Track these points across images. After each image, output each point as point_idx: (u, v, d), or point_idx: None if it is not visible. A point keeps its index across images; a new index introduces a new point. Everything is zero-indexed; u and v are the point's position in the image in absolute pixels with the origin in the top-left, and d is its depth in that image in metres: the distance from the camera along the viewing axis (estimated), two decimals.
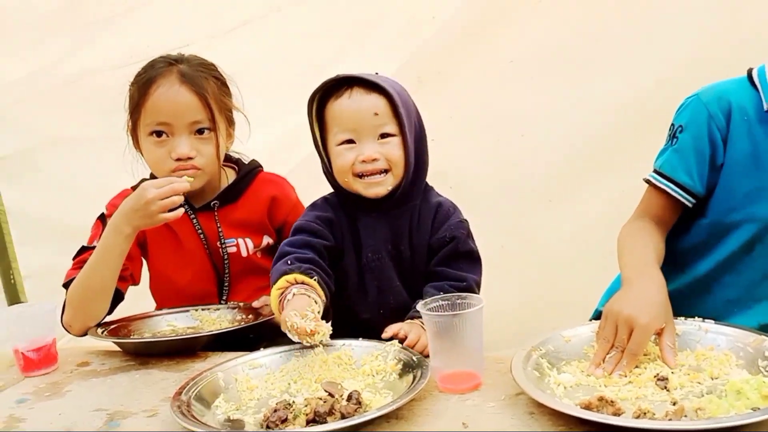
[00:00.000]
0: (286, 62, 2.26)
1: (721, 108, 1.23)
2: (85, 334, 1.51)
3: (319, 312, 1.21)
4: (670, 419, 0.85)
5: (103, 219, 1.61)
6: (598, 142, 2.08)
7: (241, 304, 1.62)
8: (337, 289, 1.38)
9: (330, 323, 1.22)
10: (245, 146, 2.11)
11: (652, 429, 0.83)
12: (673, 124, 1.29)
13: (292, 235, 1.41)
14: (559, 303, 2.16)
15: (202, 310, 1.61)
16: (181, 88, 1.53)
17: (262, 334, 1.47)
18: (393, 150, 1.35)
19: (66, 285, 1.52)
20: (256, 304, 1.60)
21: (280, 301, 1.25)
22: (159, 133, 1.54)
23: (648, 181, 1.31)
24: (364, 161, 1.34)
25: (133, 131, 1.60)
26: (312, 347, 1.22)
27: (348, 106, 1.35)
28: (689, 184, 1.26)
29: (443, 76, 2.12)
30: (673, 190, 1.27)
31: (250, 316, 1.54)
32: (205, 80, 1.57)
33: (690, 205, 1.27)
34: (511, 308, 2.15)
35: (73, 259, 1.58)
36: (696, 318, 1.12)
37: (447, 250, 1.39)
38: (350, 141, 1.36)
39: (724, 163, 1.23)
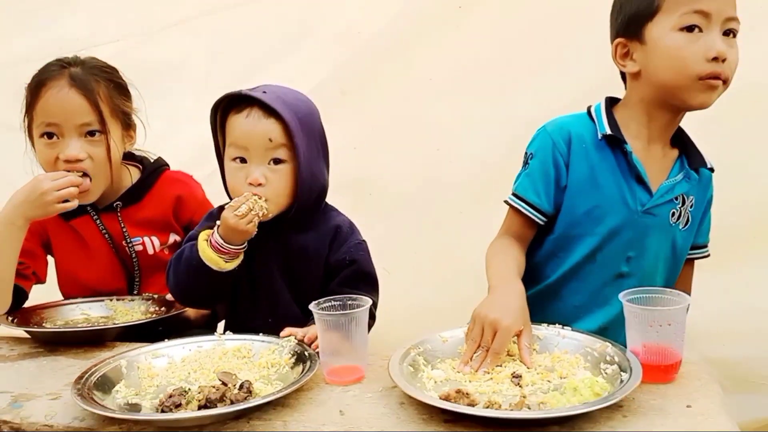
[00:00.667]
0: (217, 63, 2.33)
1: (563, 137, 1.40)
2: None
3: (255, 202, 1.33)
4: (511, 409, 0.99)
5: None
6: (508, 157, 2.21)
7: (156, 296, 1.68)
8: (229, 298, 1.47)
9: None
10: (173, 142, 2.17)
11: (492, 417, 0.97)
12: (526, 152, 1.45)
13: (185, 242, 1.45)
14: (466, 306, 2.31)
15: (117, 300, 1.67)
16: (70, 90, 1.57)
17: (172, 327, 1.54)
18: (279, 178, 1.38)
19: None
20: (170, 296, 1.65)
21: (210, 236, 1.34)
22: (50, 135, 1.57)
23: (507, 203, 1.46)
24: (250, 183, 1.37)
25: (29, 131, 1.63)
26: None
27: (244, 124, 1.37)
28: (538, 203, 1.41)
29: (366, 89, 2.23)
30: (525, 209, 1.42)
31: (163, 309, 1.61)
32: (96, 83, 1.60)
33: (541, 222, 1.43)
34: (422, 310, 2.28)
35: None
36: (557, 324, 1.26)
37: (347, 272, 1.45)
38: (242, 159, 1.38)
39: (567, 185, 1.40)
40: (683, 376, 1.12)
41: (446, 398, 1.03)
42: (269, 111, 1.36)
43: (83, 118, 1.58)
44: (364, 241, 1.51)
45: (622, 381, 1.05)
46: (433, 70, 2.22)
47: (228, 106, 1.41)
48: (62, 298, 1.74)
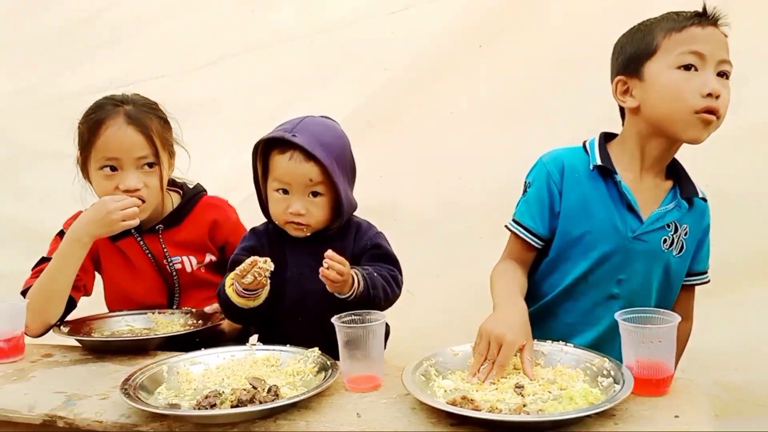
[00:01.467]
0: (253, 98, 2.50)
1: (557, 167, 1.52)
2: (40, 335, 1.69)
3: (262, 266, 1.46)
4: (510, 414, 1.09)
5: (61, 234, 1.78)
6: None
7: (194, 309, 1.81)
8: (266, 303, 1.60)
9: None
10: (210, 170, 2.34)
11: (492, 420, 1.07)
12: (525, 181, 1.58)
13: (229, 268, 1.63)
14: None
15: (159, 313, 1.81)
16: (128, 128, 1.72)
17: (208, 338, 1.66)
18: (318, 210, 1.57)
19: (24, 292, 1.69)
20: (207, 309, 1.79)
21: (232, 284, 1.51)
22: (111, 168, 1.72)
23: (507, 228, 1.59)
24: (292, 213, 1.56)
25: (83, 165, 1.78)
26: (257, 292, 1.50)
27: (287, 165, 1.54)
28: (534, 228, 1.53)
29: (391, 121, 2.37)
30: (523, 233, 1.55)
31: (200, 321, 1.74)
32: (149, 120, 1.76)
33: (538, 246, 1.55)
34: (442, 331, 2.38)
35: (32, 269, 1.76)
36: (560, 341, 1.36)
37: (370, 254, 1.63)
38: (284, 191, 1.57)
39: (561, 211, 1.51)
40: (674, 390, 1.21)
41: (452, 403, 1.13)
42: (309, 155, 1.54)
43: (140, 152, 1.73)
44: (381, 233, 1.69)
45: (615, 392, 1.15)
46: (454, 104, 2.35)
47: (271, 143, 1.59)
48: (107, 310, 1.89)
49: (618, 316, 1.23)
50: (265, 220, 1.69)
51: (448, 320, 2.50)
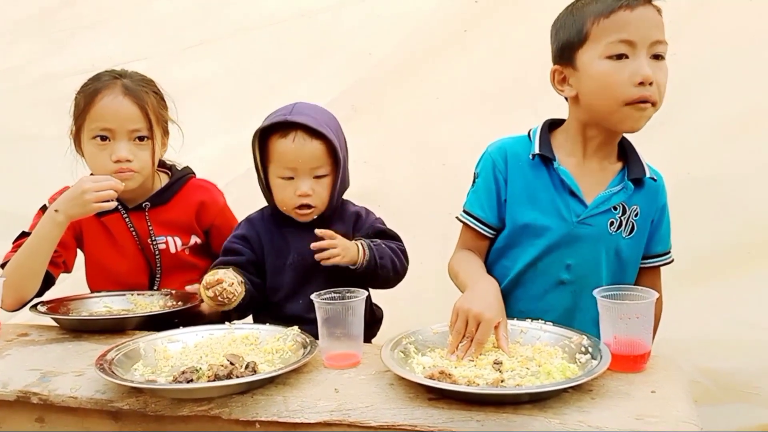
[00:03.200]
0: (239, 81, 2.48)
1: (501, 156, 1.54)
2: (15, 311, 1.68)
3: (233, 278, 1.47)
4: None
5: (44, 209, 1.77)
6: None
7: (174, 291, 1.80)
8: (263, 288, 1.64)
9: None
10: (193, 155, 2.32)
11: (470, 392, 1.08)
12: (473, 173, 1.60)
13: (221, 254, 1.66)
14: None
15: (138, 294, 1.79)
16: (124, 99, 1.72)
17: (187, 320, 1.65)
18: (323, 190, 1.60)
19: (2, 265, 1.68)
20: (189, 288, 1.79)
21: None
22: (102, 138, 1.72)
23: (458, 219, 1.61)
24: (300, 195, 1.58)
25: (77, 135, 1.77)
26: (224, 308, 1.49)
27: (292, 147, 1.56)
28: (484, 217, 1.55)
29: (376, 107, 2.37)
30: (473, 223, 1.56)
31: (179, 303, 1.73)
32: (145, 94, 1.76)
33: (489, 234, 1.56)
34: (425, 317, 2.38)
35: (13, 242, 1.75)
36: (539, 320, 1.37)
37: (377, 233, 1.68)
38: (290, 177, 1.59)
39: (507, 199, 1.52)
40: (651, 367, 1.22)
41: (430, 377, 1.13)
42: (313, 133, 1.55)
43: (134, 125, 1.73)
44: (379, 217, 1.76)
45: (592, 367, 1.15)
46: (440, 90, 2.35)
47: (269, 129, 1.59)
48: (88, 291, 1.88)
49: (596, 293, 1.23)
50: (256, 207, 1.72)
51: (432, 306, 2.50)
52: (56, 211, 1.61)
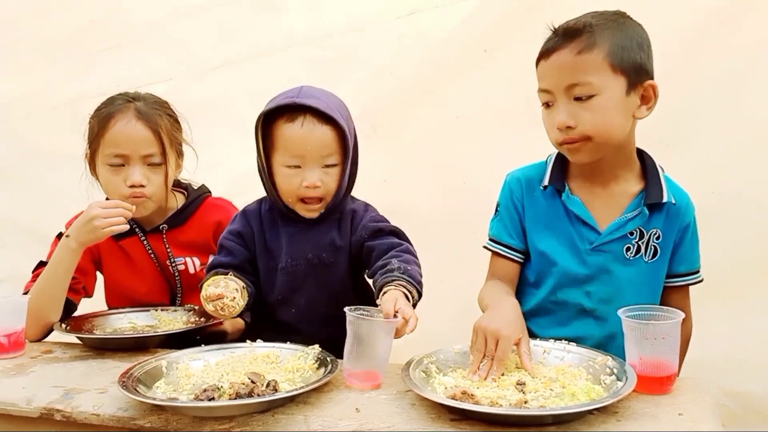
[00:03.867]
0: (258, 102, 2.50)
1: (518, 185, 1.57)
2: (39, 340, 1.69)
3: (236, 289, 1.44)
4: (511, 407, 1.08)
5: (60, 236, 1.77)
6: None
7: (197, 307, 1.80)
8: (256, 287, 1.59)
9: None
10: (213, 175, 2.34)
11: (493, 413, 1.06)
12: (497, 202, 1.62)
13: (217, 251, 1.62)
14: None
15: (162, 310, 1.80)
16: (137, 123, 1.73)
17: (210, 338, 1.66)
18: (332, 181, 1.50)
19: (25, 294, 1.69)
20: None
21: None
22: (117, 163, 1.73)
23: (486, 248, 1.60)
24: (307, 187, 1.48)
25: (91, 159, 1.78)
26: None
27: (300, 133, 1.43)
28: (513, 243, 1.56)
29: (396, 125, 2.37)
30: (502, 250, 1.57)
31: (202, 319, 1.73)
32: (158, 117, 1.76)
33: (519, 260, 1.56)
34: (444, 336, 2.36)
35: (32, 272, 1.76)
36: (563, 340, 1.35)
37: (374, 233, 1.55)
38: (297, 165, 1.48)
39: (526, 227, 1.54)
40: (678, 388, 1.20)
41: (452, 398, 1.12)
42: (323, 117, 1.45)
43: (148, 149, 1.74)
44: (379, 214, 1.63)
45: (618, 389, 1.13)
46: (460, 109, 2.35)
47: (274, 114, 1.49)
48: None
49: (621, 312, 1.22)
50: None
51: (452, 326, 2.48)
52: (68, 237, 1.63)
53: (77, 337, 1.65)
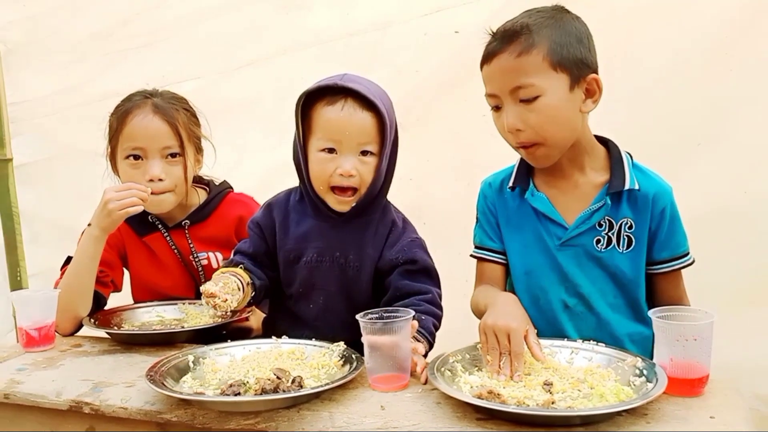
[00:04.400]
0: (285, 101, 2.51)
1: (490, 190, 1.60)
2: (71, 333, 1.71)
3: (237, 288, 1.44)
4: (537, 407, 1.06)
5: None
6: None
7: None
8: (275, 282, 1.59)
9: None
10: (241, 171, 2.36)
11: (520, 413, 1.05)
12: (476, 208, 1.62)
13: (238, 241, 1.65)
14: None
15: (189, 303, 1.82)
16: (154, 117, 1.75)
17: (236, 334, 1.66)
18: (368, 171, 1.45)
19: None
20: None
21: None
22: (135, 157, 1.75)
23: (473, 256, 1.61)
24: (341, 174, 1.43)
25: (112, 156, 1.81)
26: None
27: (339, 116, 1.40)
28: (495, 246, 1.57)
29: (422, 123, 2.36)
30: (487, 254, 1.58)
31: (229, 314, 1.73)
32: (175, 111, 1.78)
33: (503, 261, 1.56)
34: (469, 331, 2.35)
35: (60, 268, 1.79)
36: (591, 341, 1.33)
37: (404, 269, 1.50)
38: (332, 150, 1.43)
39: (501, 228, 1.56)
40: (710, 391, 1.17)
41: (479, 397, 1.11)
42: (365, 103, 1.42)
43: (165, 142, 1.76)
44: (418, 237, 1.58)
45: (647, 390, 1.11)
46: (486, 107, 2.31)
47: (315, 97, 1.45)
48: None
49: (652, 313, 1.20)
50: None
51: (476, 325, 2.47)
52: (90, 225, 1.66)
53: (106, 333, 1.67)
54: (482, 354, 1.29)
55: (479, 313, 1.46)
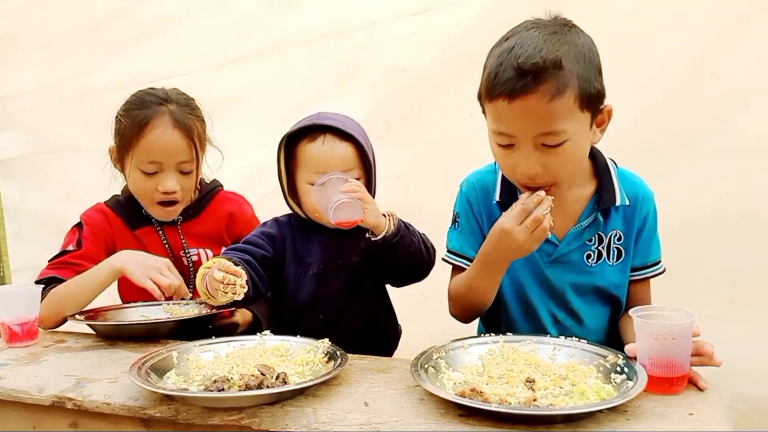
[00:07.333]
0: (274, 97, 2.51)
1: (475, 192, 1.53)
2: (52, 329, 1.72)
3: (239, 285, 1.45)
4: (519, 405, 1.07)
5: (79, 227, 1.81)
6: None
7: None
8: (281, 296, 1.62)
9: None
10: (230, 169, 2.35)
11: (502, 412, 1.05)
12: (453, 211, 1.57)
13: (242, 242, 1.66)
14: None
15: (173, 304, 1.81)
16: (174, 131, 1.74)
17: (221, 330, 1.66)
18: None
19: (38, 282, 1.71)
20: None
21: (203, 276, 1.48)
22: (151, 170, 1.75)
23: (446, 261, 1.55)
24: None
25: (119, 156, 1.79)
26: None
27: (321, 151, 1.55)
28: (474, 256, 1.46)
29: (409, 122, 2.37)
30: (464, 263, 1.51)
31: (214, 310, 1.74)
32: (192, 122, 1.78)
33: None
34: (458, 329, 2.36)
35: (49, 261, 1.78)
36: (574, 338, 1.34)
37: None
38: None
39: (485, 233, 1.47)
40: (689, 388, 1.18)
41: (461, 395, 1.12)
42: (343, 135, 1.54)
43: (182, 157, 1.77)
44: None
45: (628, 388, 1.12)
46: (473, 106, 2.32)
47: (297, 136, 1.58)
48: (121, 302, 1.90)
49: (632, 312, 1.21)
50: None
51: (463, 325, 2.48)
52: (116, 257, 1.67)
53: (90, 326, 1.67)
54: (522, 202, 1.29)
55: (463, 297, 1.45)
